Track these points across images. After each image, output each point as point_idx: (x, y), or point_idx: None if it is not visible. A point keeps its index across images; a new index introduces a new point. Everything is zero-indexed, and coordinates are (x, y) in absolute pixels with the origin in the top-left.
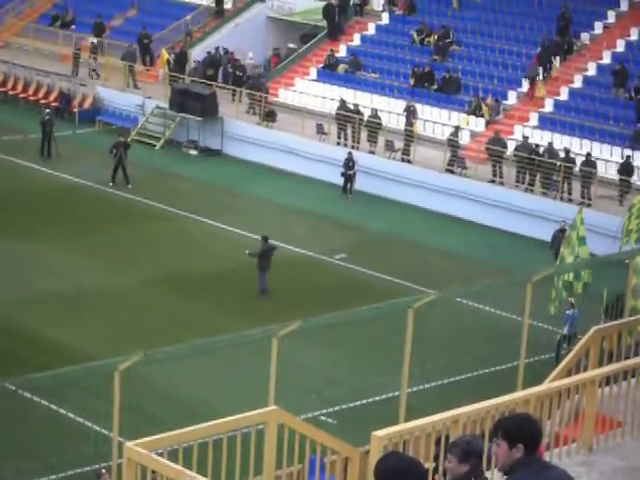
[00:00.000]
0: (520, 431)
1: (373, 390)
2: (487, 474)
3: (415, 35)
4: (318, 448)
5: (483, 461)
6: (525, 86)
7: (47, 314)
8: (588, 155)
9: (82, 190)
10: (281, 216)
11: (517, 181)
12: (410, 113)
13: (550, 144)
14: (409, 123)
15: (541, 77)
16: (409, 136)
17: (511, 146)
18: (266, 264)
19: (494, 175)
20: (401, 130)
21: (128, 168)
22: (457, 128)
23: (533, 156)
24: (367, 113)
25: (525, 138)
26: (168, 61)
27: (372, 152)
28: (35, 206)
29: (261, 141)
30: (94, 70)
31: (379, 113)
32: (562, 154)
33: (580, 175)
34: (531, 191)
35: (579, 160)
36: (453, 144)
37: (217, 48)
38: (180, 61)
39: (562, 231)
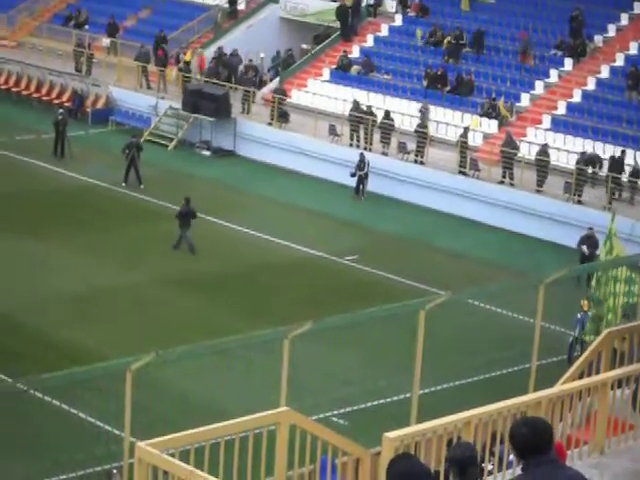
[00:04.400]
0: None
1: (385, 391)
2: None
3: (421, 35)
4: (329, 449)
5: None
6: (539, 88)
7: (58, 314)
8: (612, 158)
9: (95, 190)
10: (293, 217)
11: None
12: (424, 114)
13: (545, 144)
14: (423, 125)
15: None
16: (422, 137)
17: (524, 148)
18: (185, 223)
19: (503, 176)
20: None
21: (141, 168)
22: (466, 129)
23: (545, 158)
24: (380, 114)
25: (544, 145)
26: (185, 62)
27: (385, 153)
28: (48, 206)
29: (274, 142)
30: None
31: (392, 115)
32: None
33: (609, 180)
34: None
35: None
36: (463, 145)
37: (220, 48)
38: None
39: (589, 237)
